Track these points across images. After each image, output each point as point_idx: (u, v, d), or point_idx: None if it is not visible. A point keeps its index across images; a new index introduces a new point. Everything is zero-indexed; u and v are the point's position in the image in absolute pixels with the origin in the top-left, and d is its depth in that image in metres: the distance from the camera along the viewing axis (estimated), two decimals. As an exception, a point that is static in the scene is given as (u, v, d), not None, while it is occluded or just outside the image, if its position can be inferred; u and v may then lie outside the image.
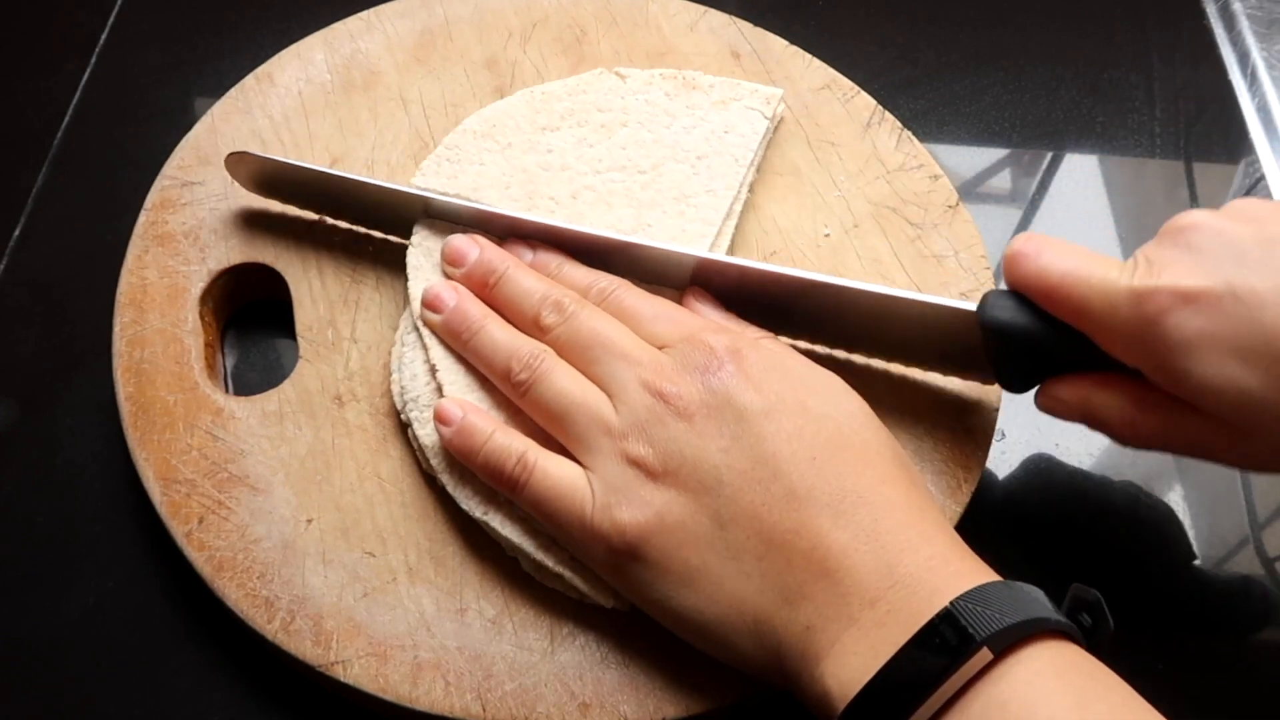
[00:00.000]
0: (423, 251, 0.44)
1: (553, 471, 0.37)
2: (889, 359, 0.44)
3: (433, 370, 0.41)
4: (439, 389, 0.41)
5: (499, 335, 0.40)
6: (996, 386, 0.44)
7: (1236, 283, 0.34)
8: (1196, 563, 0.46)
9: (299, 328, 0.45)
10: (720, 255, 0.44)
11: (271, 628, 0.38)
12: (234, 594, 0.39)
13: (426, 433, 0.40)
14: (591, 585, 0.38)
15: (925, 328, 0.41)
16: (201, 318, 0.45)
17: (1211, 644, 0.44)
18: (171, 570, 0.42)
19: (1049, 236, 0.39)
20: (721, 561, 0.35)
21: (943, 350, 0.42)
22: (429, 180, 0.46)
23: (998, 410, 0.44)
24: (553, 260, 0.43)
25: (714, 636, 0.35)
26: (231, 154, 0.45)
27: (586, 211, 0.46)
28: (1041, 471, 0.47)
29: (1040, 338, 0.38)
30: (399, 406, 0.42)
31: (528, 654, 0.38)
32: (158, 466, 0.41)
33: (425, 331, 0.42)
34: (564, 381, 0.38)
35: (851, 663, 0.32)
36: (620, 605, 0.38)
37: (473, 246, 0.43)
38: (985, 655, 0.30)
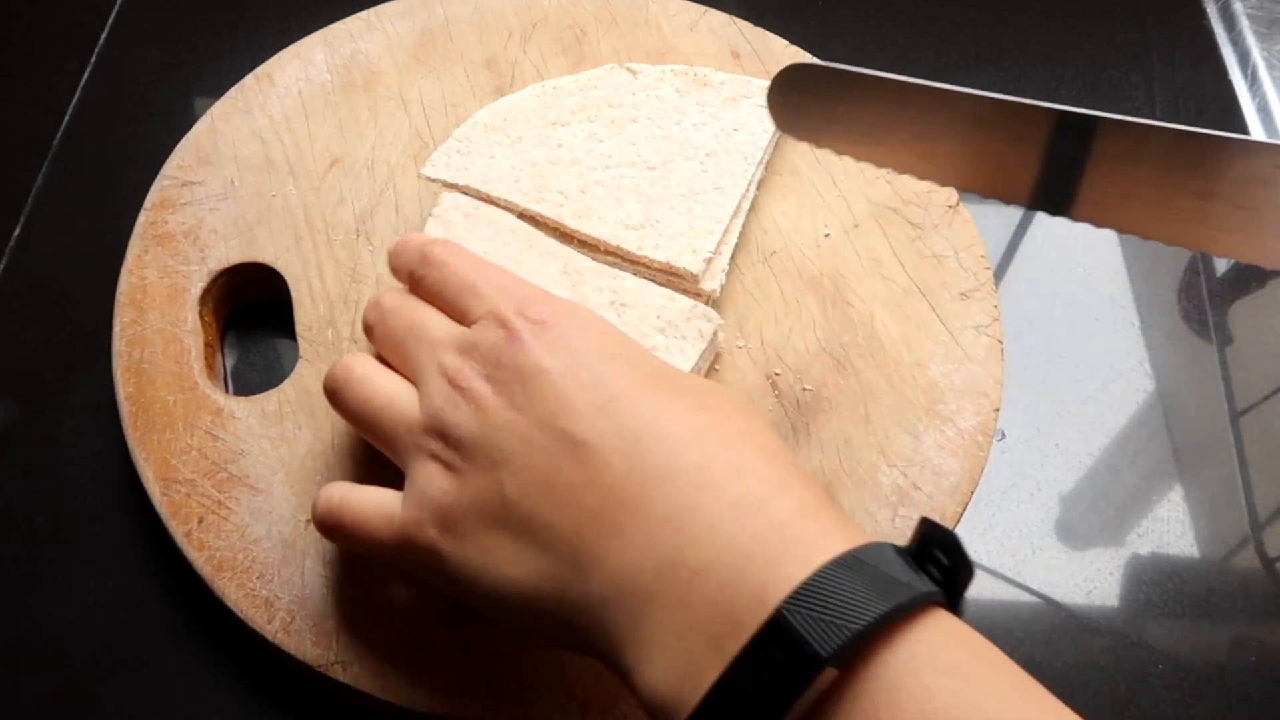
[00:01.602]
0: (440, 224, 0.44)
1: (365, 501, 0.35)
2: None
3: None
4: None
5: (345, 359, 0.38)
6: (996, 388, 0.44)
7: None
8: (1198, 560, 0.46)
9: (299, 328, 0.45)
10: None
11: (271, 628, 0.38)
12: (234, 594, 0.39)
13: None
14: None
15: None
16: (201, 318, 0.45)
17: (1213, 641, 0.44)
18: (171, 570, 0.42)
19: None
20: (513, 539, 0.31)
21: None
22: (439, 171, 0.46)
23: (998, 410, 0.44)
24: (402, 243, 0.40)
25: (531, 624, 0.32)
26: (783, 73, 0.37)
27: (595, 206, 0.46)
28: (1042, 470, 0.47)
29: None
30: None
31: (528, 654, 0.38)
32: (158, 466, 0.41)
33: None
34: (368, 385, 0.36)
35: (662, 663, 0.27)
36: None
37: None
38: (831, 673, 0.25)
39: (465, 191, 0.46)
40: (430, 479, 0.33)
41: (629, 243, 0.45)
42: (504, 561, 0.31)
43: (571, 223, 0.45)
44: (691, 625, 0.27)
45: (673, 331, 0.42)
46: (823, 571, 0.26)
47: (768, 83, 0.47)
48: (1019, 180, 0.35)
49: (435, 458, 0.33)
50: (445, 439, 0.33)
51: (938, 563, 0.27)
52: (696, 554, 0.27)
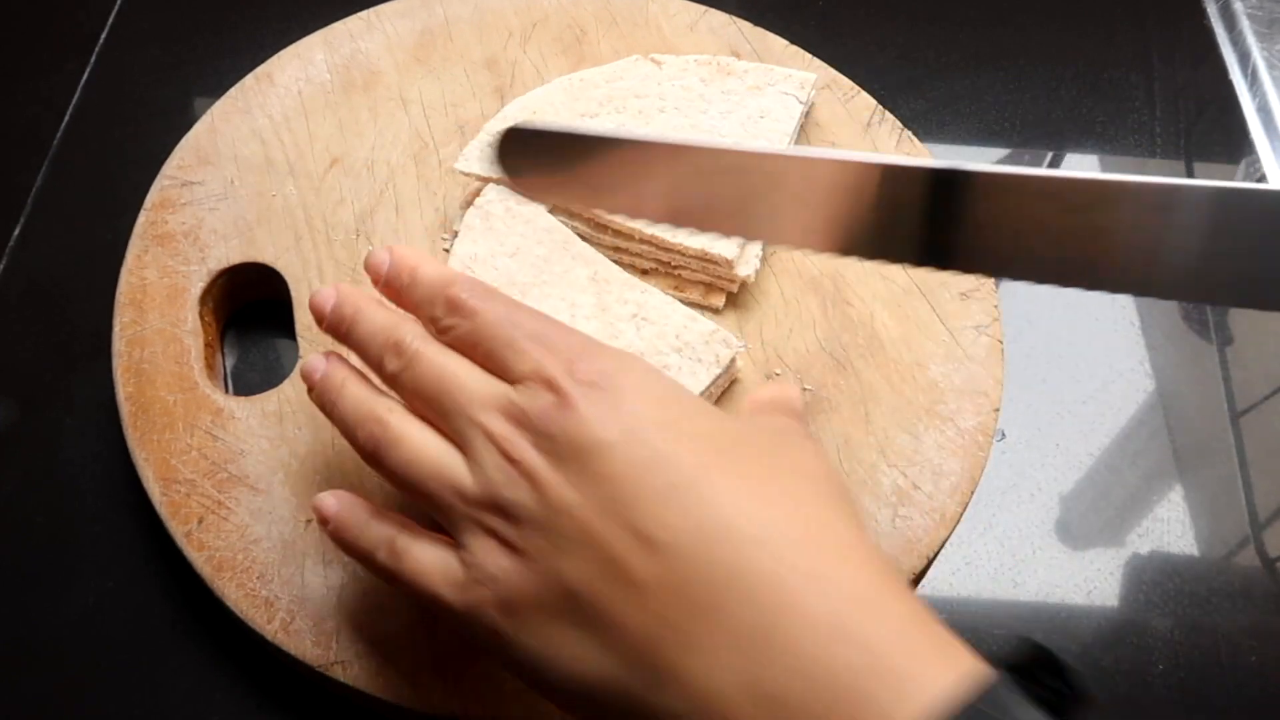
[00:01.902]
0: (480, 214, 0.44)
1: (423, 558, 0.33)
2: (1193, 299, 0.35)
3: None
4: None
5: (351, 397, 0.35)
6: (996, 388, 0.44)
7: None
8: (1198, 560, 0.46)
9: (299, 328, 0.45)
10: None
11: (271, 628, 0.38)
12: (234, 594, 0.39)
13: None
14: None
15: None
16: (201, 318, 0.45)
17: (1213, 641, 0.44)
18: (171, 570, 0.42)
19: None
20: (578, 634, 0.29)
21: None
22: (471, 165, 0.47)
23: (998, 410, 0.44)
24: (406, 266, 0.36)
25: (594, 715, 0.30)
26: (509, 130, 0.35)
27: None
28: (1042, 470, 0.47)
29: None
30: None
31: (528, 654, 0.38)
32: (158, 466, 0.41)
33: None
34: (410, 447, 0.33)
35: None
36: None
37: (330, 293, 0.37)
38: None
39: (498, 184, 0.46)
40: (489, 556, 0.31)
41: (662, 231, 0.45)
42: (569, 657, 0.30)
43: (604, 213, 0.45)
44: None
45: (689, 353, 0.42)
46: None
47: (791, 70, 0.47)
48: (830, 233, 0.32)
49: (493, 533, 0.31)
50: (503, 515, 0.31)
51: (1042, 682, 0.26)
52: (780, 682, 0.26)
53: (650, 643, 0.28)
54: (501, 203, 0.45)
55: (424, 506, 0.34)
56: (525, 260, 0.43)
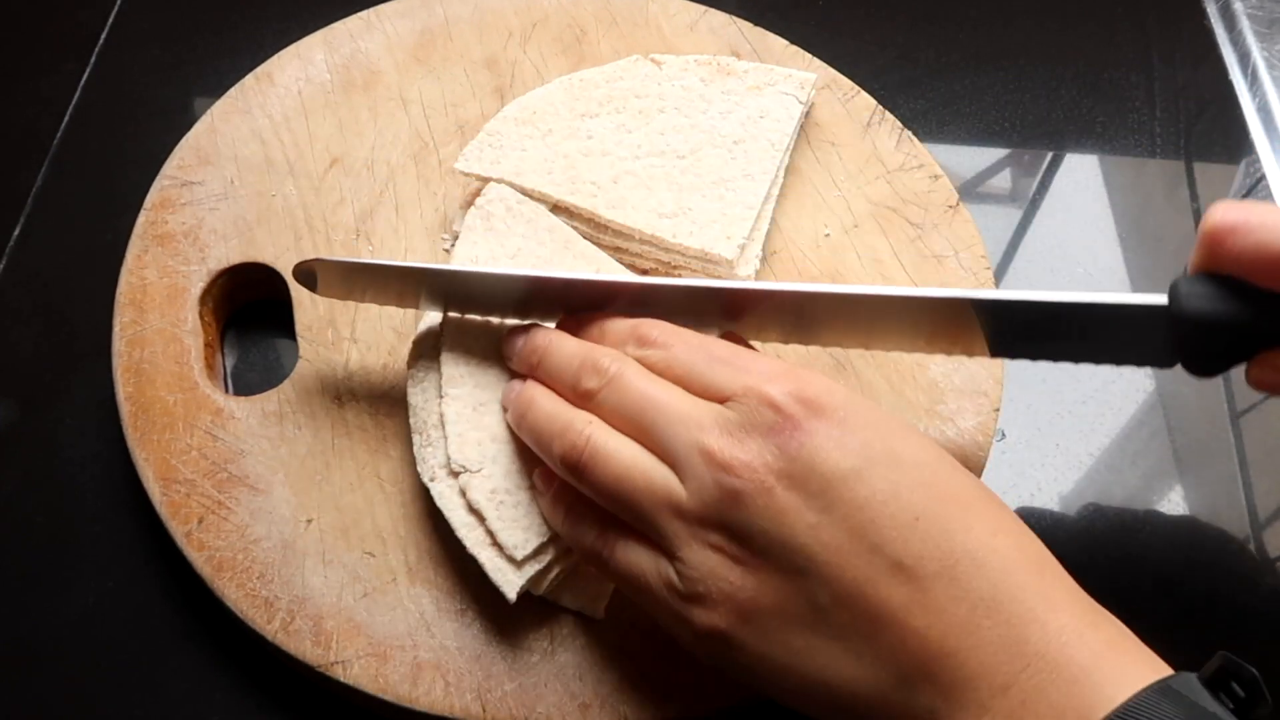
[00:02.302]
0: (481, 215, 0.44)
1: (635, 553, 0.34)
2: (1058, 360, 0.39)
3: (441, 422, 0.40)
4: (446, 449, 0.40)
5: (544, 408, 0.37)
6: (996, 388, 0.44)
7: None
8: (1198, 560, 0.46)
9: (299, 328, 0.45)
10: (818, 287, 0.39)
11: (271, 628, 0.38)
12: (234, 594, 0.39)
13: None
14: (581, 601, 0.38)
15: (1101, 330, 0.37)
16: (201, 318, 0.45)
17: (1213, 641, 0.44)
18: (171, 570, 0.42)
19: (1244, 204, 0.35)
20: (826, 644, 0.31)
21: (1123, 347, 0.38)
22: (471, 165, 0.47)
23: (998, 410, 0.44)
24: (596, 323, 0.39)
25: (812, 708, 0.33)
26: (301, 264, 0.41)
27: (628, 195, 0.46)
28: (1042, 471, 0.47)
29: (1247, 320, 0.35)
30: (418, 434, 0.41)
31: (528, 654, 0.38)
32: (158, 466, 0.41)
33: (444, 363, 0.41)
34: (619, 461, 0.34)
35: None
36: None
37: (519, 336, 0.39)
38: None
39: (499, 184, 0.46)
40: (715, 570, 0.32)
41: (663, 231, 0.45)
42: (816, 665, 0.31)
43: (605, 213, 0.45)
44: None
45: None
46: (1142, 696, 0.28)
47: (791, 70, 0.49)
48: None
49: (717, 549, 0.32)
50: (729, 531, 0.32)
51: (1232, 693, 0.29)
52: (1030, 680, 0.29)
53: (908, 655, 0.30)
54: (502, 202, 0.45)
55: (626, 517, 0.35)
56: (526, 262, 0.43)
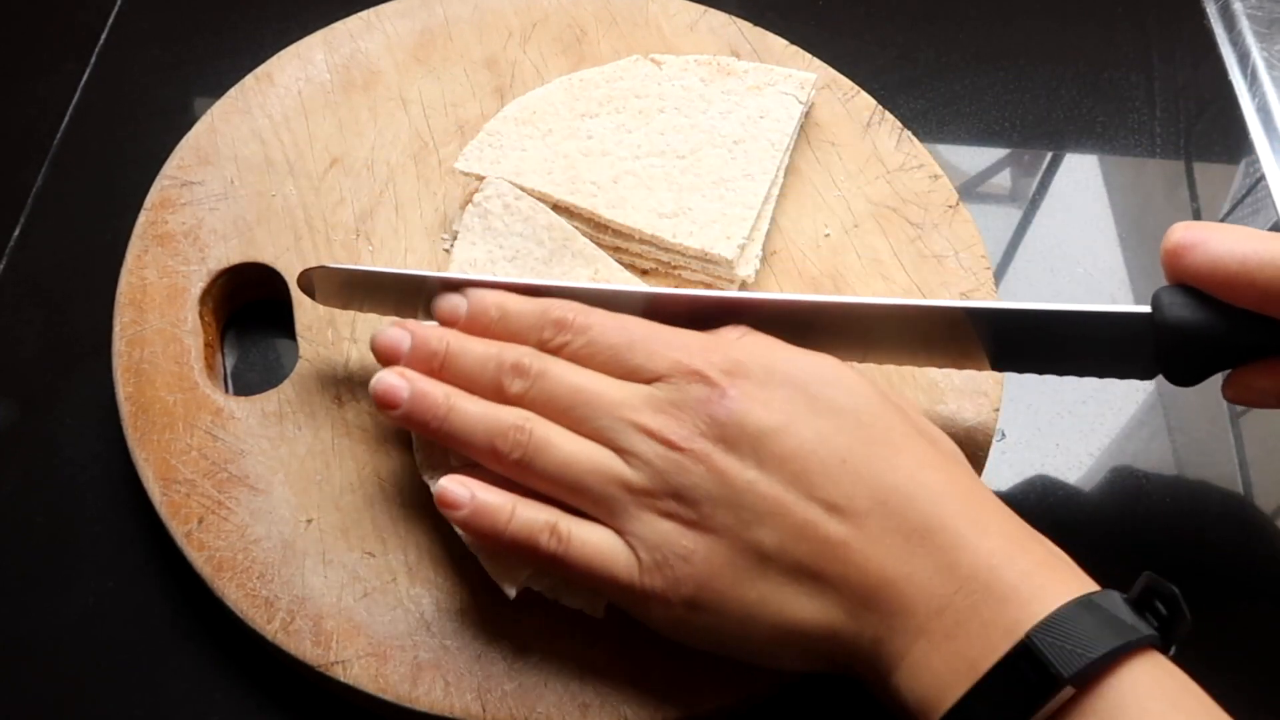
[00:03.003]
0: (479, 213, 0.44)
1: (591, 540, 0.35)
2: (1043, 373, 0.41)
3: None
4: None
5: (472, 411, 0.36)
6: (996, 388, 0.44)
7: None
8: (1198, 560, 0.46)
9: (299, 328, 0.45)
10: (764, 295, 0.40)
11: (271, 628, 0.38)
12: (234, 594, 0.39)
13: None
14: (582, 599, 0.38)
15: (1089, 338, 0.39)
16: (201, 318, 0.45)
17: (1213, 641, 0.44)
18: (171, 570, 0.42)
19: (1203, 224, 0.37)
20: (779, 588, 0.34)
21: (1109, 356, 0.40)
22: (471, 165, 0.47)
23: (998, 410, 0.44)
24: (490, 304, 0.38)
25: (780, 657, 0.35)
26: (305, 272, 0.41)
27: (628, 195, 0.46)
28: (1042, 470, 0.47)
29: (1222, 331, 0.37)
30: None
31: (527, 654, 0.38)
32: (158, 466, 0.41)
33: None
34: (563, 449, 0.36)
35: (926, 679, 0.31)
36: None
37: (402, 333, 0.38)
38: (1069, 691, 0.29)
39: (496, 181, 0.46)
40: (669, 536, 0.34)
41: (663, 231, 0.45)
42: (772, 610, 0.34)
43: (606, 213, 0.45)
44: (955, 651, 0.31)
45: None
46: (1065, 609, 0.30)
47: (791, 70, 0.49)
48: None
49: (669, 515, 0.34)
50: (678, 499, 0.34)
51: (1156, 612, 0.32)
52: (964, 600, 0.31)
53: (851, 587, 0.33)
54: (499, 199, 0.45)
55: (577, 503, 0.36)
56: (526, 264, 0.43)
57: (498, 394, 0.37)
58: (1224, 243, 0.36)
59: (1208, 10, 0.63)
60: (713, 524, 0.34)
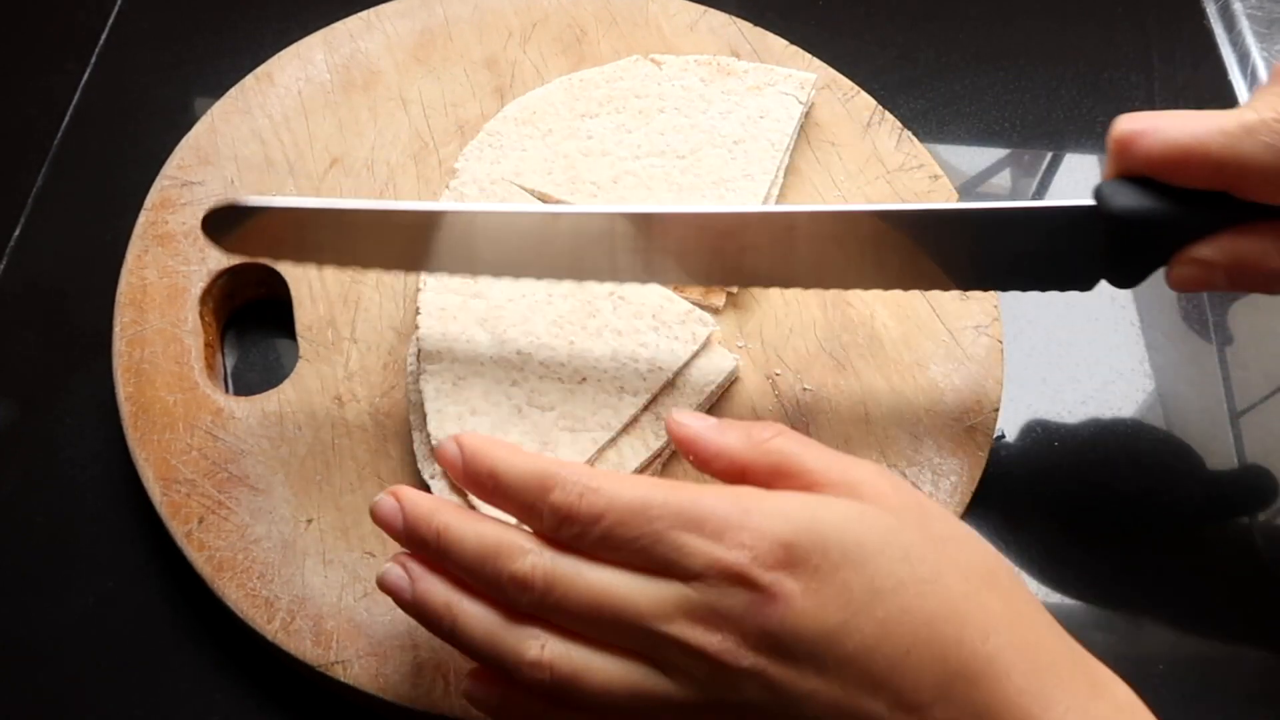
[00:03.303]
0: (454, 197, 0.45)
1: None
2: (989, 288, 0.41)
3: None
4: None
5: (478, 630, 0.32)
6: (996, 388, 0.44)
7: None
8: (1198, 560, 0.46)
9: (299, 328, 0.45)
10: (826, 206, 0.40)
11: (271, 628, 0.38)
12: (234, 594, 0.39)
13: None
14: None
15: (1032, 239, 0.39)
16: (201, 318, 0.45)
17: (1213, 641, 0.44)
18: (171, 570, 0.42)
19: (1145, 113, 0.37)
20: None
21: (1054, 256, 0.39)
22: (471, 165, 0.47)
23: (998, 410, 0.44)
24: (483, 465, 0.33)
25: None
26: (209, 212, 0.38)
27: (628, 196, 0.46)
28: (1042, 470, 0.47)
29: (1169, 214, 0.37)
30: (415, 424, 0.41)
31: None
32: (158, 466, 0.41)
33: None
34: (594, 679, 0.31)
35: None
36: None
37: (394, 509, 0.33)
38: None
39: (499, 185, 0.46)
40: None
41: None
42: None
43: None
44: None
45: (666, 331, 0.42)
46: None
47: (791, 70, 0.50)
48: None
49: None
50: (735, 713, 0.31)
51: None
52: None
53: None
54: (475, 184, 0.45)
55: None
56: None
57: (503, 602, 0.32)
58: (1174, 124, 0.36)
59: (1208, 10, 0.63)
60: None
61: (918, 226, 0.38)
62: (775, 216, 0.38)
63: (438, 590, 0.33)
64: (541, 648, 0.31)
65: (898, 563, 0.31)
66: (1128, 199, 0.37)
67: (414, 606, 0.33)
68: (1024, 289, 0.40)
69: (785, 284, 0.42)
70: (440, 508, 0.33)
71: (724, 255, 0.39)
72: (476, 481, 0.33)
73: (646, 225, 0.38)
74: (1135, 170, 0.37)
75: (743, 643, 0.30)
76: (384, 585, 0.33)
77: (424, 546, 0.33)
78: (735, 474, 0.34)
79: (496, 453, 0.33)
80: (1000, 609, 0.31)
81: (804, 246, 0.39)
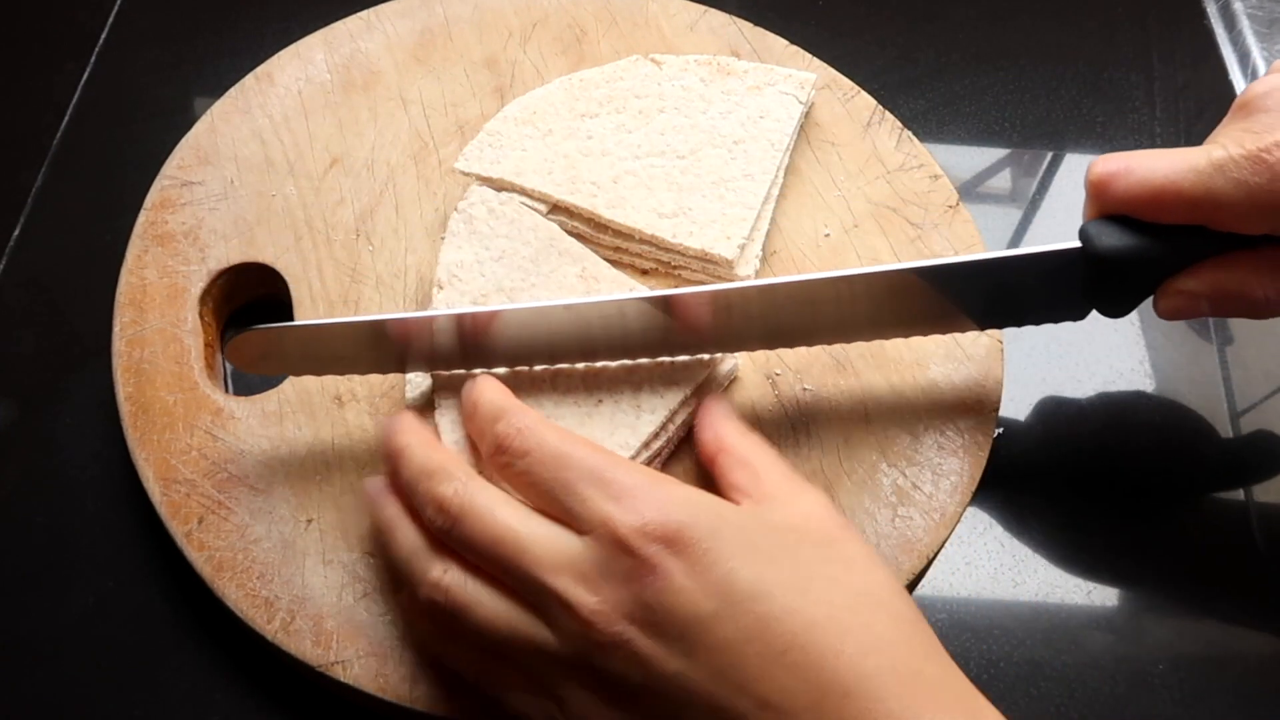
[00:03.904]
0: (463, 219, 0.45)
1: (517, 706, 0.34)
2: (984, 327, 0.42)
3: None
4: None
5: (401, 547, 0.35)
6: (996, 388, 0.44)
7: None
8: (1198, 560, 0.46)
9: (299, 328, 0.45)
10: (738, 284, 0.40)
11: (271, 628, 0.38)
12: (234, 594, 0.39)
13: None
14: None
15: (1026, 281, 0.40)
16: (201, 318, 0.45)
17: (1213, 641, 0.44)
18: (171, 570, 0.42)
19: (1120, 153, 0.39)
20: None
21: (1046, 297, 0.41)
22: (472, 165, 0.47)
23: (998, 410, 0.44)
24: (471, 396, 0.37)
25: None
26: (235, 338, 0.39)
27: (628, 195, 0.46)
28: (1042, 470, 0.47)
29: (1151, 251, 0.38)
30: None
31: (528, 654, 0.38)
32: (158, 466, 0.41)
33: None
34: (479, 614, 0.33)
35: None
36: None
37: (384, 427, 0.38)
38: None
39: (499, 184, 0.46)
40: (592, 708, 0.32)
41: (663, 231, 0.45)
42: None
43: (606, 212, 0.45)
44: None
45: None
46: None
47: (791, 70, 0.51)
48: None
49: (590, 689, 0.32)
50: (600, 678, 0.32)
51: None
52: None
53: None
54: (484, 204, 0.45)
55: (507, 663, 0.34)
56: (512, 263, 0.43)
57: (427, 521, 0.35)
58: (1147, 163, 0.38)
59: (1208, 10, 0.63)
60: (636, 704, 0.31)
61: (937, 280, 0.40)
62: (796, 287, 0.40)
63: (390, 509, 0.36)
64: (444, 572, 0.34)
65: (789, 570, 0.32)
66: (1110, 239, 0.39)
67: (372, 517, 0.37)
68: (1021, 325, 0.42)
69: (814, 343, 0.43)
70: (409, 429, 0.37)
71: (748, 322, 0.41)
72: (467, 408, 0.37)
73: (665, 307, 0.39)
74: (1113, 210, 0.39)
75: (617, 608, 0.31)
76: (365, 490, 0.38)
77: (387, 460, 0.37)
78: (708, 456, 0.39)
79: (482, 383, 0.38)
80: (888, 634, 0.32)
81: (829, 308, 0.41)
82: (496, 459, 0.35)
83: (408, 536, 0.35)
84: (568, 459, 0.34)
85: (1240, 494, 0.48)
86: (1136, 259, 0.39)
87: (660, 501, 0.32)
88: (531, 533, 0.33)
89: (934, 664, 0.32)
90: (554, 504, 0.33)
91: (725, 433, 0.39)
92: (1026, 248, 0.40)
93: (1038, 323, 0.42)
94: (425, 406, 0.41)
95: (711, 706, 0.30)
